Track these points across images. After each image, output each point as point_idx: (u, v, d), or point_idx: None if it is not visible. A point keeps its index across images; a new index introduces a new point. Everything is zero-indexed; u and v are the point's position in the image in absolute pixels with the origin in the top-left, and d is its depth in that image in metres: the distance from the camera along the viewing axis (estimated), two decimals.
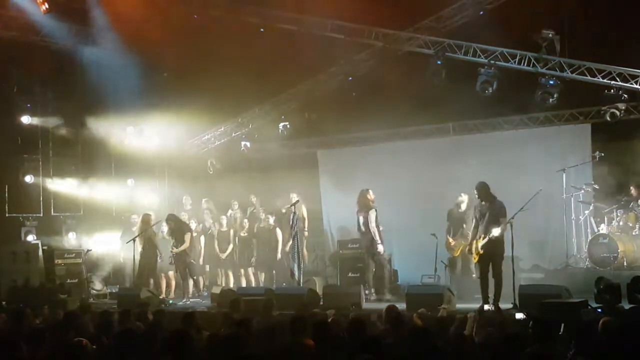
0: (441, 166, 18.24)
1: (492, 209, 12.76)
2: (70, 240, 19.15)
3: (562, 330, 8.78)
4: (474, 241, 12.92)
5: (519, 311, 11.59)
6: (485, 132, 18.76)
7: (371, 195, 15.87)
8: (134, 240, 16.10)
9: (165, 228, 17.13)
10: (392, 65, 17.36)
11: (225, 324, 9.46)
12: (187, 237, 16.51)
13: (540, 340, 7.43)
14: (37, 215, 19.08)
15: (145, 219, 16.79)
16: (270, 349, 7.77)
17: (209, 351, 7.32)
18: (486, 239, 12.56)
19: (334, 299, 13.83)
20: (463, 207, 15.94)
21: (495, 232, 12.45)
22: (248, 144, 20.32)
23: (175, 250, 16.28)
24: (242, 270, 17.41)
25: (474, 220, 13.23)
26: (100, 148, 19.64)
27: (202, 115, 19.41)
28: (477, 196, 12.95)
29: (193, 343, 7.31)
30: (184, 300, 16.28)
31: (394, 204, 17.86)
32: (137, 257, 16.22)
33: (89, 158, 19.99)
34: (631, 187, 15.53)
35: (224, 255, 17.38)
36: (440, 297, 12.69)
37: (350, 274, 16.59)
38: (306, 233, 17.70)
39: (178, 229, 16.51)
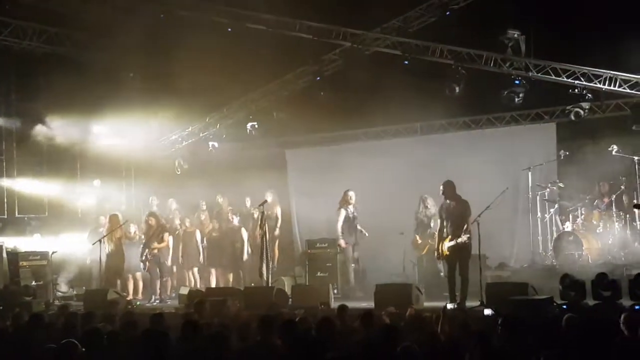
0: (409, 165, 18.33)
1: (457, 208, 12.90)
2: (35, 241, 18.89)
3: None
4: (441, 242, 13.06)
5: (487, 307, 11.69)
6: (452, 131, 18.94)
7: (348, 194, 16.24)
8: (100, 241, 16.00)
9: (133, 228, 17.07)
10: (360, 65, 17.38)
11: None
12: (167, 236, 16.58)
13: (509, 337, 7.55)
14: (1, 216, 18.85)
15: (113, 220, 16.75)
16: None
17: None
18: (453, 242, 12.72)
19: (302, 298, 13.85)
20: (429, 206, 16.06)
21: (462, 238, 12.60)
22: (216, 144, 20.24)
23: (154, 250, 16.28)
24: (212, 271, 17.35)
25: (439, 221, 13.36)
26: (66, 149, 19.38)
27: (169, 116, 19.28)
28: (442, 194, 13.08)
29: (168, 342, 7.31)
30: (152, 301, 16.26)
31: (361, 203, 17.92)
32: (104, 259, 16.15)
33: (54, 159, 19.70)
34: (601, 183, 15.67)
35: (191, 256, 17.26)
36: (409, 295, 12.75)
37: (319, 274, 16.63)
38: (277, 232, 17.65)
39: (160, 227, 16.55)
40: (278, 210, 17.67)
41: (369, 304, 12.84)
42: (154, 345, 7.08)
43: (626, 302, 11.40)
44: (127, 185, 21.23)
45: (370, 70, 17.15)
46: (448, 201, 13.05)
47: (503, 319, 7.99)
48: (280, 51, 18.06)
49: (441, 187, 13.23)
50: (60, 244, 18.60)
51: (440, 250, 13.11)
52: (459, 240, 12.65)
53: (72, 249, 18.54)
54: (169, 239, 16.85)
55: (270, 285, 14.87)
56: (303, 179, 20.14)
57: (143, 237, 16.87)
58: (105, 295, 14.85)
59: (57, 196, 19.55)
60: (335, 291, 15.48)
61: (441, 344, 7.52)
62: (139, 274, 16.98)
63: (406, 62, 16.79)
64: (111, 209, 18.01)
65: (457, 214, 12.85)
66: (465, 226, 12.71)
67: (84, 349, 7.19)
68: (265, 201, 16.01)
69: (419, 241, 15.98)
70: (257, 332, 8.16)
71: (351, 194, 16.59)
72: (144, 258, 16.41)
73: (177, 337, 7.88)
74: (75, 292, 17.82)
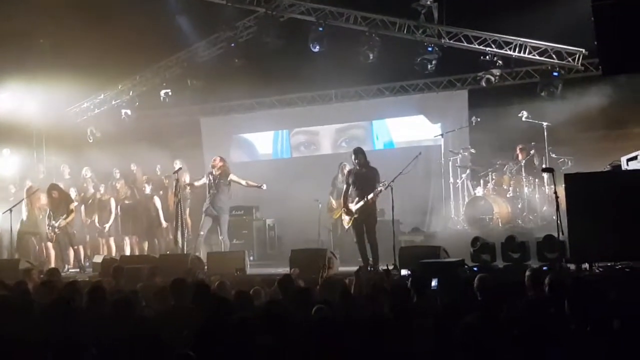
0: (324, 132, 18.43)
1: (367, 174, 13.03)
2: None
3: (435, 285, 9.07)
4: (346, 206, 13.20)
5: (404, 269, 11.86)
6: (366, 98, 19.08)
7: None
8: (10, 210, 15.65)
9: (43, 198, 16.70)
10: (274, 31, 17.31)
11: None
12: (72, 207, 16.24)
13: (417, 293, 7.78)
14: None
15: (29, 192, 16.46)
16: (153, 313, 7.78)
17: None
18: (361, 203, 12.85)
19: (218, 265, 13.81)
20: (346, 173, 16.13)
21: (370, 195, 12.74)
22: (129, 111, 19.92)
23: (62, 222, 15.94)
24: (126, 239, 17.15)
25: (345, 185, 13.48)
26: None
27: (80, 83, 18.76)
28: (354, 161, 13.17)
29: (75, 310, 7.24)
30: (65, 270, 15.98)
31: (275, 170, 18.02)
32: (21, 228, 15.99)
33: None
34: (517, 149, 15.92)
35: (104, 225, 17.03)
36: (323, 260, 12.83)
37: (234, 241, 16.67)
38: (188, 200, 17.50)
39: (63, 199, 16.17)
40: (187, 178, 17.49)
41: (285, 270, 12.91)
42: (63, 312, 6.99)
43: (534, 263, 11.74)
44: (38, 154, 20.71)
45: (285, 37, 17.14)
46: (358, 167, 13.16)
47: (412, 278, 8.21)
48: (194, 17, 17.88)
49: (352, 156, 13.30)
50: None
51: (346, 213, 13.24)
52: (369, 197, 12.78)
53: None
54: (75, 209, 16.49)
55: (185, 252, 14.79)
56: (218, 146, 20.05)
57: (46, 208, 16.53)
58: (17, 264, 14.52)
59: None
60: (252, 258, 15.50)
61: (354, 304, 7.63)
62: (50, 244, 16.65)
63: (320, 29, 16.79)
64: (21, 178, 17.58)
65: (366, 179, 12.98)
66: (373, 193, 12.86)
67: None
68: (180, 168, 15.88)
69: (334, 205, 16.06)
70: (170, 297, 8.16)
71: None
72: (49, 230, 16.10)
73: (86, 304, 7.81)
74: None
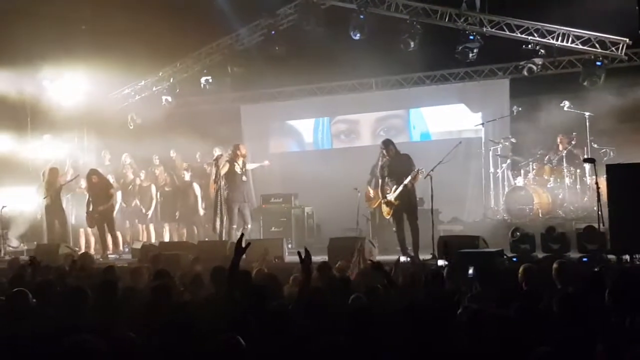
0: (364, 121, 18.39)
1: (399, 163, 13.01)
2: None
3: (472, 273, 8.96)
4: (385, 197, 13.20)
5: (441, 258, 11.81)
6: (407, 87, 18.97)
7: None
8: (49, 196, 15.86)
9: (84, 183, 16.86)
10: (315, 19, 17.30)
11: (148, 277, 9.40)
12: (112, 192, 16.37)
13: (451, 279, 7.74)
14: None
15: (53, 173, 16.61)
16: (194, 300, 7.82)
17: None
18: (400, 189, 12.81)
19: (256, 253, 13.83)
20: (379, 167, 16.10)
21: (408, 179, 12.75)
22: (169, 98, 20.03)
23: (101, 208, 16.07)
24: (165, 226, 17.28)
25: (380, 179, 13.45)
26: (15, 102, 19.00)
27: (121, 69, 18.89)
28: (385, 153, 13.15)
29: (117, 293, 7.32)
30: (104, 256, 16.14)
31: (315, 158, 18.00)
32: (44, 214, 16.31)
33: (3, 112, 19.31)
34: (558, 139, 15.78)
35: (145, 211, 17.18)
36: (361, 248, 12.80)
37: (273, 228, 16.74)
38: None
39: (103, 185, 16.27)
40: (226, 166, 17.55)
41: (323, 258, 12.91)
42: (104, 296, 7.07)
43: (574, 254, 11.65)
44: (79, 139, 20.89)
45: (326, 25, 17.12)
46: (389, 158, 13.13)
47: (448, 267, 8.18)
48: (235, 4, 17.90)
49: (383, 147, 13.27)
50: (11, 199, 18.31)
51: (386, 204, 13.22)
52: (406, 180, 12.75)
53: (23, 203, 18.30)
54: (115, 195, 16.65)
55: (223, 239, 14.86)
56: (258, 134, 20.12)
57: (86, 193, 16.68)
58: (57, 249, 14.68)
59: (6, 150, 19.18)
60: (290, 245, 15.53)
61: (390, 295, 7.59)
62: (89, 229, 16.81)
63: (362, 17, 16.73)
64: (62, 163, 17.78)
65: (400, 166, 12.97)
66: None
67: (34, 300, 7.14)
68: (221, 155, 15.94)
69: (372, 194, 16.02)
70: (210, 284, 8.21)
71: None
72: (88, 216, 16.27)
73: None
74: (26, 247, 17.55)
